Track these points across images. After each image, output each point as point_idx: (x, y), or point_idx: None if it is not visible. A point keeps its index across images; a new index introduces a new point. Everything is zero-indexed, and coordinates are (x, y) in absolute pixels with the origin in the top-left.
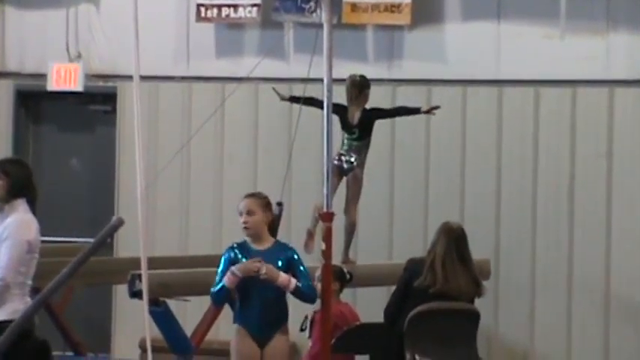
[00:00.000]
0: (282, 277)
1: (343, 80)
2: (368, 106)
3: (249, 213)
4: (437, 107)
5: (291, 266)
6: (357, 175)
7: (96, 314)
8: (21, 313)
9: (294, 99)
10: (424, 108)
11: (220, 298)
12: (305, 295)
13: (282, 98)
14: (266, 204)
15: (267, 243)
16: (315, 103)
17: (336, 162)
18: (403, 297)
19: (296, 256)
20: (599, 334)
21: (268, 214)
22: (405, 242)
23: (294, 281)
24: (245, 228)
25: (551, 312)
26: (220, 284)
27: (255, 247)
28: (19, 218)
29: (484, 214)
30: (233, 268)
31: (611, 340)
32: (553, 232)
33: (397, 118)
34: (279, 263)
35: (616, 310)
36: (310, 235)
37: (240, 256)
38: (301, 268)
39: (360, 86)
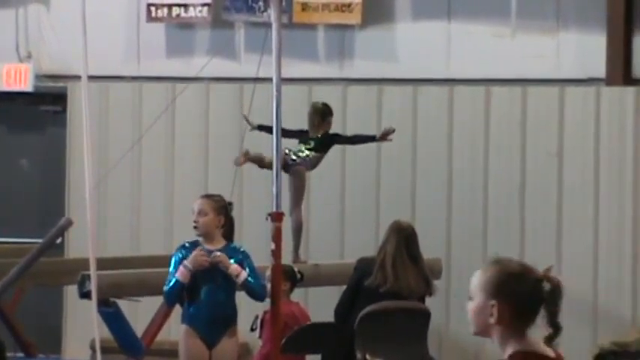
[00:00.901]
0: (234, 266)
1: (294, 80)
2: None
3: (201, 213)
4: (392, 131)
5: (242, 264)
6: (298, 176)
7: (47, 315)
8: None
9: (262, 127)
10: (378, 135)
11: (174, 296)
12: (254, 291)
13: (252, 127)
14: (220, 207)
15: (219, 244)
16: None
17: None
18: (354, 296)
19: (247, 255)
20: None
21: (221, 217)
22: (357, 241)
23: (244, 273)
24: (195, 227)
25: None
26: (173, 280)
27: (207, 246)
28: None
29: (435, 212)
30: (185, 261)
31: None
32: (504, 231)
33: (348, 118)
34: (231, 262)
35: (566, 306)
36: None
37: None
38: (252, 268)
39: (322, 114)
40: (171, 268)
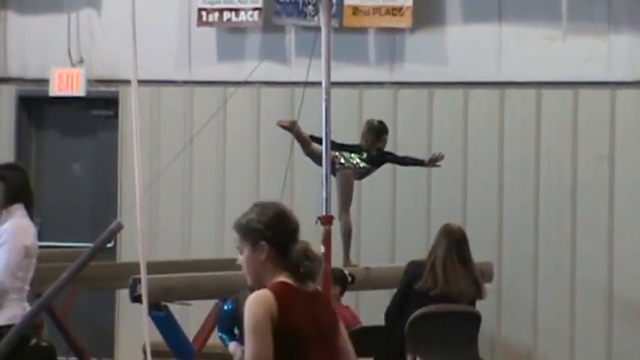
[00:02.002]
0: None
1: (345, 83)
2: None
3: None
4: (441, 158)
5: None
6: (345, 179)
7: (99, 319)
8: (20, 318)
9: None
10: (427, 160)
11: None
12: None
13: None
14: None
15: None
16: (333, 146)
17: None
18: (404, 300)
19: None
20: (602, 337)
21: None
22: (408, 245)
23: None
24: None
25: (554, 314)
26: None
27: None
28: (16, 223)
29: (486, 216)
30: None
31: (614, 342)
32: (555, 235)
33: (399, 120)
34: None
35: (619, 313)
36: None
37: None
38: None
39: (377, 132)
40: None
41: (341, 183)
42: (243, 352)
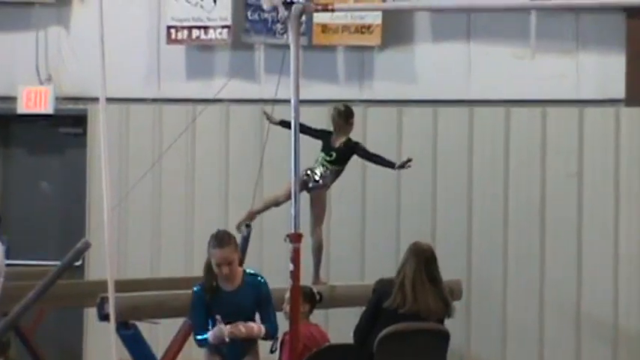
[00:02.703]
0: (253, 331)
1: (313, 101)
2: (354, 138)
3: (230, 263)
4: (409, 160)
5: (261, 305)
6: (320, 196)
7: (67, 338)
8: None
9: (284, 123)
10: (397, 164)
11: (208, 346)
12: (268, 336)
13: (272, 122)
14: (236, 244)
15: (237, 279)
16: (302, 129)
17: (302, 176)
18: (373, 318)
19: (265, 292)
20: (571, 354)
21: (238, 252)
22: (377, 263)
23: (263, 329)
24: (225, 277)
25: (523, 331)
26: (205, 336)
27: (224, 287)
28: None
29: (455, 233)
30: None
31: (583, 358)
32: (524, 252)
33: (368, 139)
34: (249, 304)
35: (588, 329)
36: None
37: (212, 300)
38: (269, 308)
39: (345, 116)
40: (193, 312)
41: (315, 202)
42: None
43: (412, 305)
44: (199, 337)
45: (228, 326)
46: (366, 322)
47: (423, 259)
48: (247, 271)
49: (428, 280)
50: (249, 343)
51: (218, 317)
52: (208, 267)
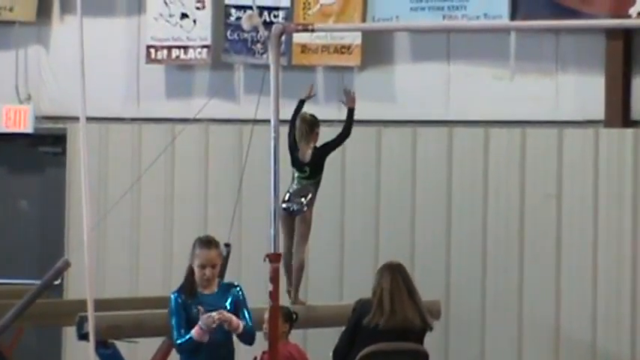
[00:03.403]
0: (235, 321)
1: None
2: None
3: (214, 266)
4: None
5: (237, 306)
6: (306, 217)
7: (45, 356)
8: None
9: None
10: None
11: (189, 350)
12: (247, 336)
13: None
14: (220, 249)
15: (214, 286)
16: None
17: (284, 206)
18: (352, 337)
19: (241, 296)
20: None
21: (222, 258)
22: (356, 283)
23: (242, 325)
24: (207, 280)
25: (501, 352)
26: (188, 336)
27: (202, 291)
28: None
29: (434, 254)
30: (200, 323)
31: None
32: (503, 272)
33: (347, 159)
34: (227, 306)
35: (566, 348)
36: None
37: (190, 302)
38: (245, 309)
39: (310, 123)
40: (173, 317)
41: (301, 225)
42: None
43: (390, 318)
44: (181, 340)
45: (214, 313)
46: (345, 341)
47: (397, 271)
48: (223, 281)
49: (406, 291)
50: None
51: (201, 308)
52: (190, 272)
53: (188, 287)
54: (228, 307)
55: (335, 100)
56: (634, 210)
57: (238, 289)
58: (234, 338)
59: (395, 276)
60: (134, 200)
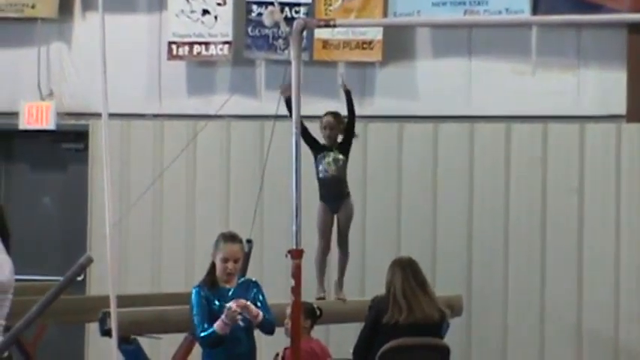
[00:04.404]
0: (254, 311)
1: (315, 117)
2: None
3: (237, 261)
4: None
5: (256, 299)
6: (352, 207)
7: (69, 353)
8: None
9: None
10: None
11: (213, 344)
12: (267, 326)
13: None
14: (243, 245)
15: (235, 282)
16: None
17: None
18: (371, 335)
19: (260, 295)
20: None
21: (244, 254)
22: (378, 279)
23: (261, 314)
24: (229, 274)
25: (524, 346)
26: (211, 330)
27: (223, 285)
28: None
29: (456, 249)
30: (223, 316)
31: None
32: (525, 268)
33: (369, 154)
34: (247, 299)
35: (589, 344)
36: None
37: (211, 296)
38: (265, 302)
39: (338, 117)
40: (195, 311)
41: (349, 213)
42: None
43: (408, 315)
44: (204, 333)
45: (231, 303)
46: (365, 339)
47: (407, 266)
48: (243, 277)
49: (418, 286)
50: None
51: (227, 305)
52: (212, 266)
53: (209, 281)
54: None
55: (357, 95)
56: None
57: (256, 283)
58: (256, 333)
59: (406, 272)
60: (156, 196)
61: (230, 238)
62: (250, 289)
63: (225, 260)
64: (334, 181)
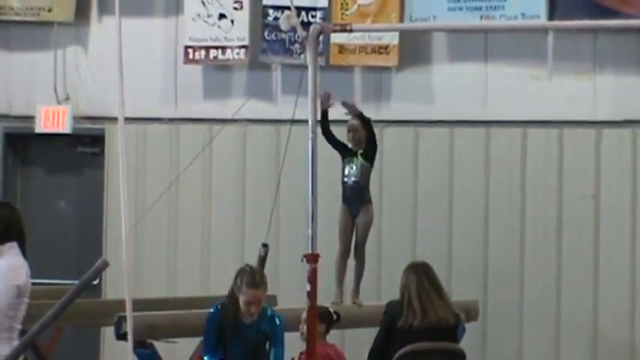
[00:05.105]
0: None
1: (331, 121)
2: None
3: (260, 302)
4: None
5: (271, 338)
6: (371, 211)
7: (84, 357)
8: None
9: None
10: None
11: None
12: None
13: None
14: (266, 282)
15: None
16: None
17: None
18: (386, 340)
19: (279, 330)
20: None
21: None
22: (393, 283)
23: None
24: (252, 314)
25: (539, 352)
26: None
27: (244, 319)
28: (8, 262)
29: (472, 254)
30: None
31: None
32: (540, 273)
33: (385, 159)
34: (262, 337)
35: (604, 350)
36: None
37: (227, 326)
38: (280, 347)
39: (354, 130)
40: (206, 331)
41: (368, 220)
42: None
43: (423, 319)
44: (207, 357)
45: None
46: (380, 344)
47: (421, 271)
48: (267, 308)
49: (433, 290)
50: None
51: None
52: (233, 298)
53: (231, 313)
54: (263, 340)
55: (373, 100)
56: None
57: (279, 326)
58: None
59: (420, 276)
60: (172, 200)
61: (254, 283)
62: (269, 323)
63: (248, 303)
64: (356, 187)
